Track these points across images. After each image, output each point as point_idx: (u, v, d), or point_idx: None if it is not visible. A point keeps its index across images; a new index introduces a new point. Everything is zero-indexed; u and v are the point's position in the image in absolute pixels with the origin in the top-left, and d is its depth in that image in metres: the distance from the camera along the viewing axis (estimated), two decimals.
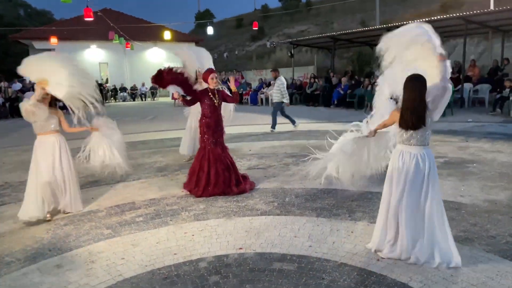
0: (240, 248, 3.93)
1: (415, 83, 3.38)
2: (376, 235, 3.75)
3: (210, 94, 5.63)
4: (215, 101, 5.63)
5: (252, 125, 12.69)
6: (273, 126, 11.45)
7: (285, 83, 11.51)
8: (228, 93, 6.11)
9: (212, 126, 5.63)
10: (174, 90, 5.76)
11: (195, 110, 7.50)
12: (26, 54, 33.11)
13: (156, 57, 30.34)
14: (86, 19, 12.22)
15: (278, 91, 11.30)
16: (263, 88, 21.55)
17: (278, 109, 11.45)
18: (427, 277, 3.27)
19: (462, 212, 4.66)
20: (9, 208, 5.40)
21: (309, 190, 5.69)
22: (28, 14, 50.06)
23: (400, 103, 3.57)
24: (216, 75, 5.74)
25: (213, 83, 5.62)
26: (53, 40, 19.75)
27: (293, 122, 11.53)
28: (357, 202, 5.12)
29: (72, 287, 3.31)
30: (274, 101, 11.60)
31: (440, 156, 7.32)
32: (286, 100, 11.41)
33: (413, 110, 3.36)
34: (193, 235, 4.31)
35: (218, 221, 4.66)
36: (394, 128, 3.67)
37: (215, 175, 5.56)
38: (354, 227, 4.35)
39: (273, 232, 4.29)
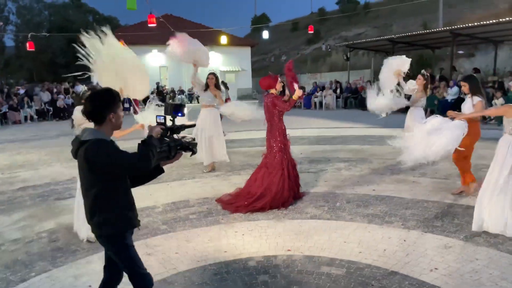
0: (289, 250, 3.97)
1: None
2: (480, 217, 4.23)
3: None
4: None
5: (304, 129, 12.66)
6: None
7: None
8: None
9: (285, 132, 5.49)
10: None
11: (208, 116, 7.24)
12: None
13: (213, 61, 31.09)
14: (150, 25, 12.81)
15: None
16: (317, 92, 21.40)
17: None
18: None
19: None
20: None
21: (361, 196, 5.60)
22: (96, 20, 53.30)
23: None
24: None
25: (280, 88, 5.46)
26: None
27: None
28: (412, 211, 4.97)
29: None
30: None
31: None
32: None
33: None
34: (243, 234, 4.42)
35: (268, 222, 4.73)
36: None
37: (294, 181, 5.47)
38: (407, 235, 4.23)
39: (323, 236, 4.29)
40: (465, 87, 5.40)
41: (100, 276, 3.57)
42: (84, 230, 4.22)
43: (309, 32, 20.31)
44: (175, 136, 2.60)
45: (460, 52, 22.66)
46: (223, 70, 30.36)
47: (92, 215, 2.42)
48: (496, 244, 3.96)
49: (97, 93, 2.48)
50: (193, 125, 2.77)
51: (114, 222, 2.43)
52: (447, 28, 16.77)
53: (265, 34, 22.16)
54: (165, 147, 2.48)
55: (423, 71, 7.42)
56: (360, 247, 3.99)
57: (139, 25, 30.64)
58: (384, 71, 7.35)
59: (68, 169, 7.96)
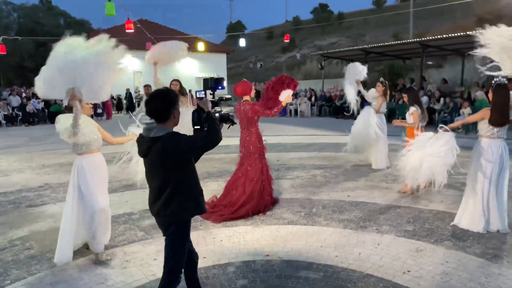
0: (267, 255, 4.04)
1: (505, 89, 4.42)
2: (469, 215, 4.63)
3: None
4: None
5: (280, 136, 12.81)
6: None
7: None
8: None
9: (262, 138, 5.45)
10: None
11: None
12: None
13: (188, 67, 31.04)
14: (128, 31, 12.68)
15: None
16: (292, 99, 21.70)
17: None
18: None
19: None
20: (49, 208, 5.71)
21: (337, 202, 5.74)
22: (67, 23, 52.16)
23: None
24: None
25: (253, 94, 5.45)
26: None
27: None
28: (385, 216, 5.14)
29: (108, 284, 3.51)
30: None
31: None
32: None
33: (503, 112, 4.40)
34: (221, 240, 4.45)
35: (245, 228, 4.78)
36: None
37: (270, 186, 5.56)
38: (381, 239, 4.38)
39: (300, 241, 4.38)
40: (405, 98, 6.13)
41: (77, 282, 3.56)
42: (65, 256, 3.92)
43: (285, 40, 20.54)
44: (216, 108, 2.85)
45: (429, 63, 23.48)
46: (199, 76, 30.32)
47: (167, 205, 2.58)
48: (465, 247, 4.16)
49: (163, 92, 2.64)
50: (230, 98, 3.05)
51: (189, 207, 2.66)
52: (417, 39, 17.39)
53: (242, 42, 22.32)
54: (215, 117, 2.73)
55: (381, 78, 8.02)
56: (336, 251, 4.10)
57: (113, 29, 30.22)
58: (346, 78, 8.36)
59: (40, 176, 7.79)
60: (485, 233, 4.50)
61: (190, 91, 26.13)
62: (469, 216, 4.64)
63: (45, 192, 6.58)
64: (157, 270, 3.74)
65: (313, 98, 21.60)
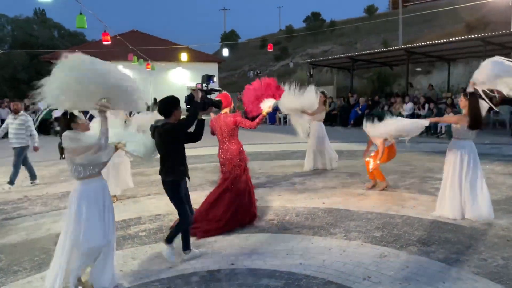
0: (232, 264, 4.07)
1: (476, 98, 4.96)
2: (449, 207, 5.20)
3: None
4: None
5: (267, 144, 12.87)
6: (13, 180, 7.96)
7: (31, 120, 8.26)
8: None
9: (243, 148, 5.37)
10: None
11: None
12: None
13: (180, 77, 31.16)
14: (104, 43, 12.89)
15: (22, 132, 8.05)
16: None
17: (22, 156, 8.11)
18: None
19: (458, 234, 4.66)
20: (24, 220, 5.72)
21: (311, 210, 5.78)
22: (61, 35, 52.33)
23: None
24: None
25: (232, 106, 5.37)
26: None
27: (33, 177, 8.37)
28: (355, 222, 5.18)
29: None
30: (14, 146, 7.99)
31: None
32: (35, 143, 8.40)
33: (477, 117, 4.98)
34: (190, 249, 4.46)
35: (216, 237, 4.81)
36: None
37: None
38: (348, 246, 4.42)
39: (268, 249, 4.41)
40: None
41: None
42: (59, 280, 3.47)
43: (272, 49, 20.71)
44: (208, 96, 4.39)
45: (418, 69, 23.68)
46: (190, 86, 30.42)
47: (165, 168, 4.01)
48: (428, 252, 4.20)
49: (167, 98, 3.99)
50: (220, 90, 5.02)
51: (176, 172, 4.01)
52: (402, 46, 17.58)
53: (225, 52, 22.52)
54: (201, 104, 4.10)
55: (322, 90, 8.89)
56: (302, 258, 4.14)
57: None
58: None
59: (21, 188, 7.80)
60: (461, 219, 5.09)
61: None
62: (446, 206, 5.21)
63: (23, 205, 6.59)
64: (121, 281, 3.77)
65: None
